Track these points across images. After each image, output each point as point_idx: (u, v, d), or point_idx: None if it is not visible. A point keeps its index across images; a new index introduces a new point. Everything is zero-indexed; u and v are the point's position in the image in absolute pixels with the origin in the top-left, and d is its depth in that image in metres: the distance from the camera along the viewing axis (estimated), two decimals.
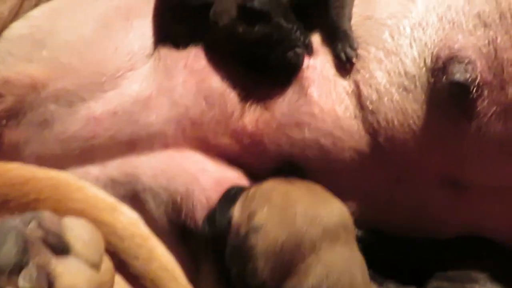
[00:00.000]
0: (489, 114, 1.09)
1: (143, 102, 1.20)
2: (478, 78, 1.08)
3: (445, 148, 1.12)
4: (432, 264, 1.17)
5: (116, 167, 1.20)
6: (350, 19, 1.20)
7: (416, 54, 1.13)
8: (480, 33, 1.10)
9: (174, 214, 1.16)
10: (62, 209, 1.02)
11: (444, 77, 1.08)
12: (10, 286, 0.78)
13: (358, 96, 1.15)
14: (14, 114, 1.19)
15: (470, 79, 1.07)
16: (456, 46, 1.10)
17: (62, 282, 0.82)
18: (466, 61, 1.08)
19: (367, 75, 1.15)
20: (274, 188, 1.04)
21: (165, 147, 1.20)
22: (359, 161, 1.15)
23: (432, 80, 1.10)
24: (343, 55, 1.17)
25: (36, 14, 1.24)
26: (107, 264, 0.93)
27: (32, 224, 0.81)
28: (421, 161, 1.13)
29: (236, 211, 1.02)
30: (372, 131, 1.14)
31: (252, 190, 1.05)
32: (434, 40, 1.12)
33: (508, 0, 1.09)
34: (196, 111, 1.20)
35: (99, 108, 1.20)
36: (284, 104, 1.17)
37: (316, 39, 1.21)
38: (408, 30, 1.15)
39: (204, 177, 1.17)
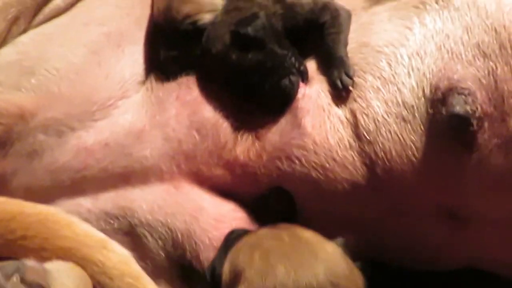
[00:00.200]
0: (490, 147, 1.04)
1: (136, 135, 1.14)
2: (479, 110, 1.02)
3: (444, 180, 1.06)
4: None
5: (109, 200, 1.14)
6: (346, 45, 1.14)
7: (414, 83, 1.07)
8: (479, 64, 1.04)
9: (175, 251, 1.11)
10: (50, 247, 0.96)
11: (444, 109, 1.03)
12: None
13: (355, 126, 1.09)
14: (1, 144, 1.13)
15: (470, 112, 1.02)
16: (456, 76, 1.04)
17: None
18: (466, 92, 1.02)
19: (364, 104, 1.09)
20: (258, 245, 0.97)
21: (160, 181, 1.14)
22: (353, 193, 1.09)
23: (431, 111, 1.05)
24: (339, 83, 1.11)
25: (25, 40, 1.18)
26: None
27: (15, 279, 0.75)
28: (420, 193, 1.08)
29: (225, 267, 0.97)
30: (369, 162, 1.09)
31: (240, 244, 0.99)
32: (432, 69, 1.06)
33: (508, 30, 1.03)
34: (189, 144, 1.14)
35: (90, 138, 1.14)
36: (276, 135, 1.11)
37: (311, 65, 1.15)
38: (405, 58, 1.09)
39: (202, 216, 1.11)
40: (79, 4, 1.23)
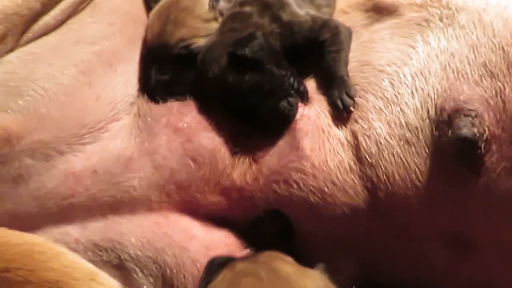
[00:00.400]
0: (498, 170, 0.97)
1: (124, 163, 1.07)
2: (486, 132, 0.95)
3: (450, 205, 0.99)
4: None
5: (98, 230, 1.06)
6: (346, 64, 1.07)
7: (418, 104, 1.01)
8: (487, 84, 0.97)
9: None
10: (35, 280, 0.88)
11: (450, 131, 0.96)
12: None
13: (356, 148, 1.02)
14: None
15: (477, 134, 0.95)
16: (462, 97, 0.97)
17: None
18: (473, 114, 0.95)
19: (365, 126, 1.02)
20: (234, 283, 0.87)
21: (149, 211, 1.06)
22: (353, 217, 1.02)
23: (436, 133, 0.98)
24: (339, 103, 1.04)
25: (12, 59, 1.10)
26: None
27: None
28: (424, 218, 1.01)
29: None
30: (371, 186, 1.01)
31: (217, 281, 0.90)
32: (437, 90, 1.00)
33: None
34: (183, 173, 1.06)
35: (79, 164, 1.06)
36: (274, 157, 1.04)
37: (310, 85, 1.08)
38: (409, 78, 1.02)
39: (192, 245, 1.04)
40: (69, 22, 1.15)
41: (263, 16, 1.08)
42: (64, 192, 1.05)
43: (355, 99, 1.04)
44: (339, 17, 1.13)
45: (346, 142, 1.03)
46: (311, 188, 1.01)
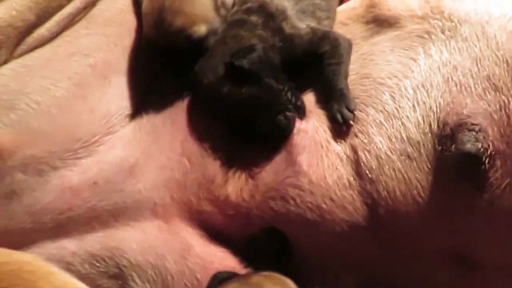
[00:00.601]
0: (503, 186, 0.92)
1: (128, 170, 1.02)
2: (490, 147, 0.90)
3: (452, 222, 0.94)
4: None
5: (97, 240, 1.01)
6: (346, 77, 1.02)
7: (420, 118, 0.95)
8: (490, 98, 0.92)
9: None
10: None
11: (453, 146, 0.91)
12: None
13: (355, 163, 0.97)
14: None
15: (481, 149, 0.89)
16: (465, 111, 0.92)
17: None
18: (476, 129, 0.90)
19: (366, 140, 0.97)
20: None
21: (152, 215, 1.01)
22: (353, 234, 0.97)
23: (439, 148, 0.93)
24: (339, 117, 0.99)
25: (5, 72, 1.05)
26: None
27: None
28: (425, 235, 0.96)
29: None
30: (371, 202, 0.96)
31: None
32: (440, 103, 0.94)
33: None
34: (180, 172, 1.02)
35: (75, 178, 1.01)
36: (270, 173, 0.99)
37: (309, 98, 1.03)
38: (410, 91, 0.97)
39: (191, 256, 0.99)
40: (64, 34, 1.10)
41: (267, 28, 1.03)
42: (61, 206, 1.00)
43: (355, 112, 0.98)
44: (339, 29, 1.08)
45: (345, 157, 0.98)
46: (309, 204, 0.96)
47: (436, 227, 0.95)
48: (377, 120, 0.98)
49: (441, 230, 0.95)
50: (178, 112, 1.05)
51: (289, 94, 1.00)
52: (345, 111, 0.99)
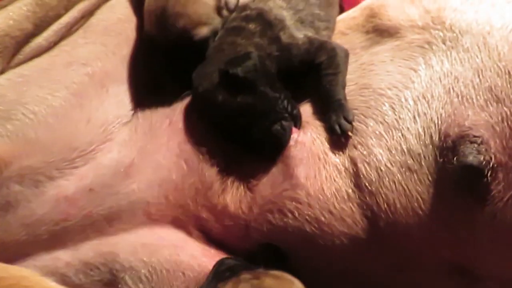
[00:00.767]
0: (505, 199, 0.88)
1: (124, 172, 0.99)
2: (492, 160, 0.87)
3: (454, 235, 0.91)
4: None
5: (90, 248, 0.98)
6: (344, 87, 0.99)
7: (420, 129, 0.92)
8: (492, 109, 0.89)
9: None
10: None
11: (455, 159, 0.88)
12: None
13: (355, 175, 0.94)
14: None
15: (484, 162, 0.86)
16: (467, 123, 0.89)
17: None
18: (478, 141, 0.87)
19: (365, 152, 0.94)
20: None
21: (146, 218, 0.98)
22: (352, 247, 0.94)
23: (440, 160, 0.90)
24: (337, 128, 0.96)
25: (2, 82, 1.02)
26: None
27: None
28: (426, 248, 0.93)
29: None
30: (371, 214, 0.93)
31: None
32: (441, 114, 0.91)
33: None
34: (178, 174, 0.99)
35: (71, 187, 0.98)
36: (267, 186, 0.95)
37: (306, 109, 1.00)
38: (410, 102, 0.94)
39: (188, 245, 0.96)
40: (62, 43, 1.07)
41: (264, 37, 1.00)
42: (56, 217, 0.97)
43: (354, 124, 0.95)
44: (338, 39, 1.05)
45: (343, 169, 0.95)
46: (307, 217, 0.93)
47: (437, 240, 0.91)
48: (377, 132, 0.94)
49: (442, 243, 0.92)
50: (176, 113, 1.02)
51: (285, 102, 0.97)
52: (343, 122, 0.96)
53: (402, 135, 0.93)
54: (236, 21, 1.03)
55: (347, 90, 0.99)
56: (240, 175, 0.97)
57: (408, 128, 0.93)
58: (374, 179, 0.93)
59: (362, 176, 0.93)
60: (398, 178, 0.92)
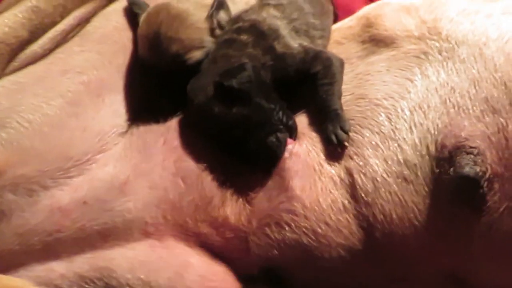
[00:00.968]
0: (501, 210, 0.87)
1: (119, 188, 0.97)
2: (489, 171, 0.86)
3: (450, 246, 0.90)
4: None
5: (86, 261, 0.95)
6: (340, 96, 0.98)
7: (417, 140, 0.91)
8: (488, 120, 0.88)
9: None
10: None
11: (451, 169, 0.86)
12: None
13: (351, 186, 0.92)
14: None
15: (480, 173, 0.85)
16: (463, 134, 0.88)
17: None
18: (475, 152, 0.86)
19: (361, 162, 0.93)
20: None
21: (144, 235, 0.96)
22: (349, 258, 0.92)
23: (437, 170, 0.88)
24: (334, 138, 0.94)
25: None
26: None
27: None
28: (423, 259, 0.92)
29: None
30: (367, 225, 0.92)
31: None
32: (437, 125, 0.90)
33: None
34: (176, 193, 0.97)
35: (66, 197, 0.96)
36: (264, 199, 0.94)
37: (301, 120, 0.99)
38: (407, 112, 0.93)
39: (188, 273, 0.93)
40: (57, 51, 1.05)
41: (257, 47, 0.98)
42: (50, 227, 0.95)
43: (350, 134, 0.94)
44: (334, 49, 1.04)
45: (339, 180, 0.93)
46: (304, 229, 0.91)
47: (433, 251, 0.90)
48: (373, 142, 0.93)
49: (439, 254, 0.90)
50: (170, 132, 1.00)
51: (280, 114, 0.95)
52: (340, 132, 0.94)
53: (399, 145, 0.92)
54: (228, 34, 1.01)
55: (343, 100, 0.97)
56: (238, 188, 0.96)
57: (404, 139, 0.92)
58: (370, 190, 0.91)
59: (358, 187, 0.92)
60: (394, 188, 0.91)
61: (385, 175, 0.91)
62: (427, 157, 0.90)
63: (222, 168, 0.97)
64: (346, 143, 0.94)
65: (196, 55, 1.00)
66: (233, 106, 0.93)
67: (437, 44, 0.95)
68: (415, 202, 0.90)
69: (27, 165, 0.96)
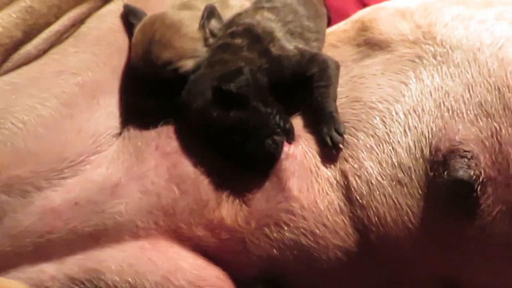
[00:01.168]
0: (494, 213, 0.88)
1: (111, 190, 0.96)
2: (482, 174, 0.87)
3: (444, 249, 0.90)
4: None
5: (76, 263, 0.95)
6: (335, 99, 0.98)
7: (411, 143, 0.91)
8: (482, 124, 0.88)
9: None
10: None
11: (445, 173, 0.87)
12: None
13: (346, 188, 0.93)
14: None
15: (474, 176, 0.86)
16: (457, 137, 0.88)
17: None
18: (469, 155, 0.86)
19: (356, 165, 0.93)
20: None
21: (134, 238, 0.96)
22: (346, 260, 0.92)
23: (431, 173, 0.89)
24: (329, 140, 0.95)
25: None
26: None
27: None
28: (417, 262, 0.92)
29: None
30: (362, 227, 0.92)
31: None
32: (432, 128, 0.90)
33: None
34: (169, 199, 0.96)
35: (58, 198, 0.95)
36: (262, 200, 0.94)
37: (297, 122, 0.99)
38: (401, 116, 0.93)
39: (176, 278, 0.93)
40: (52, 51, 1.04)
41: (253, 50, 0.98)
42: (41, 229, 0.94)
43: (345, 137, 0.94)
44: (329, 52, 1.04)
45: (335, 182, 0.93)
46: (302, 230, 0.91)
47: (427, 253, 0.91)
48: (368, 145, 0.93)
49: (433, 256, 0.91)
50: (162, 137, 0.99)
51: (277, 117, 0.95)
52: (335, 135, 0.94)
53: (393, 148, 0.92)
54: (222, 39, 1.01)
55: (338, 103, 0.97)
56: (235, 190, 0.95)
57: (398, 142, 0.92)
58: (365, 192, 0.92)
59: (353, 189, 0.92)
60: (388, 191, 0.91)
61: (379, 178, 0.91)
62: (421, 160, 0.90)
63: (218, 171, 0.97)
64: (341, 145, 0.94)
65: (188, 64, 0.99)
66: (231, 110, 0.93)
67: (431, 49, 0.95)
68: (409, 205, 0.90)
69: (21, 166, 0.95)
